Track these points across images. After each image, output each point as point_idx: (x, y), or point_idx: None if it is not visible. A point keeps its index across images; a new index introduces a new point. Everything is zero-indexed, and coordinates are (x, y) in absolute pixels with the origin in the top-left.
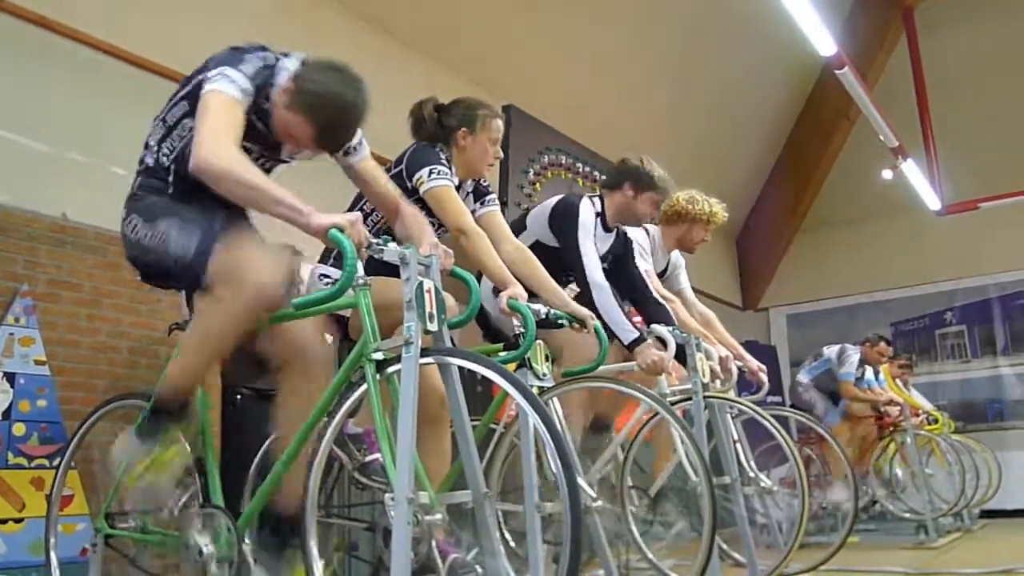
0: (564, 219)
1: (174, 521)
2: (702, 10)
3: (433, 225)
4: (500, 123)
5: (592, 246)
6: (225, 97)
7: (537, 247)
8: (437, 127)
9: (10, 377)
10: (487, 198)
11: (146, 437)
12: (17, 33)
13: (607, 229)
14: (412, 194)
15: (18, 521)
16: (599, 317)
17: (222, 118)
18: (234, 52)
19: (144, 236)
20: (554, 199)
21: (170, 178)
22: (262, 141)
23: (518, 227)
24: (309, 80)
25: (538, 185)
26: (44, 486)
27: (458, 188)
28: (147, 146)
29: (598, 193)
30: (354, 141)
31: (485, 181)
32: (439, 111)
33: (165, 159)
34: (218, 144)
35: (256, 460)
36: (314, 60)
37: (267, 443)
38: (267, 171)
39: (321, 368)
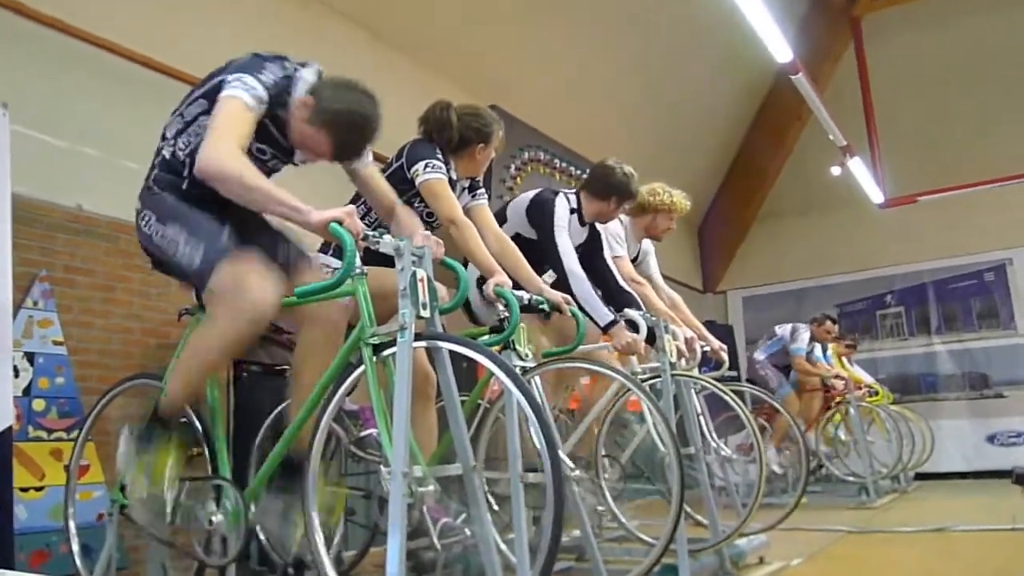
0: (540, 213)
1: (185, 493)
2: (669, 19)
3: (429, 216)
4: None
5: (567, 238)
6: (239, 103)
7: (518, 239)
8: (458, 134)
9: (30, 357)
10: (477, 192)
11: (143, 443)
12: (36, 37)
13: (582, 223)
14: (410, 186)
15: (39, 489)
16: (576, 302)
17: (231, 123)
18: (255, 59)
19: (155, 234)
20: (531, 193)
21: (185, 172)
22: (275, 145)
23: (499, 218)
24: (329, 98)
25: (519, 179)
26: (62, 457)
27: (453, 183)
28: (164, 137)
29: (574, 190)
30: None
31: (477, 177)
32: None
33: (181, 153)
34: (222, 148)
35: (261, 433)
36: (331, 77)
37: (272, 415)
38: (274, 170)
39: (336, 327)
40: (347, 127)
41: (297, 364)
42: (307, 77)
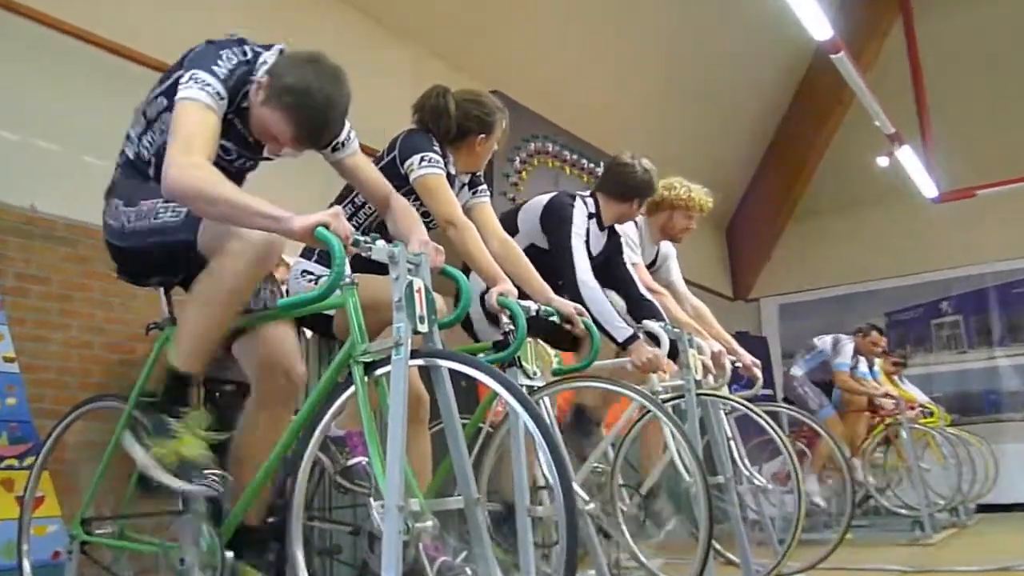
0: (557, 219)
1: (153, 527)
2: None
3: (425, 216)
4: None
5: (582, 247)
6: (196, 105)
7: (532, 250)
8: (456, 123)
9: None
10: (479, 189)
11: (161, 428)
12: None
13: (601, 228)
14: (404, 182)
15: None
16: (591, 316)
17: (190, 131)
18: (209, 49)
19: (129, 216)
20: (544, 197)
21: (151, 171)
22: (241, 141)
23: (509, 227)
24: (283, 75)
25: (524, 174)
26: (14, 487)
27: (452, 179)
28: (128, 138)
29: (591, 192)
30: (341, 136)
31: (478, 172)
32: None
33: (146, 151)
34: (186, 162)
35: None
36: (290, 53)
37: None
38: (248, 169)
39: (294, 391)
40: (307, 107)
41: (247, 429)
42: (269, 60)
